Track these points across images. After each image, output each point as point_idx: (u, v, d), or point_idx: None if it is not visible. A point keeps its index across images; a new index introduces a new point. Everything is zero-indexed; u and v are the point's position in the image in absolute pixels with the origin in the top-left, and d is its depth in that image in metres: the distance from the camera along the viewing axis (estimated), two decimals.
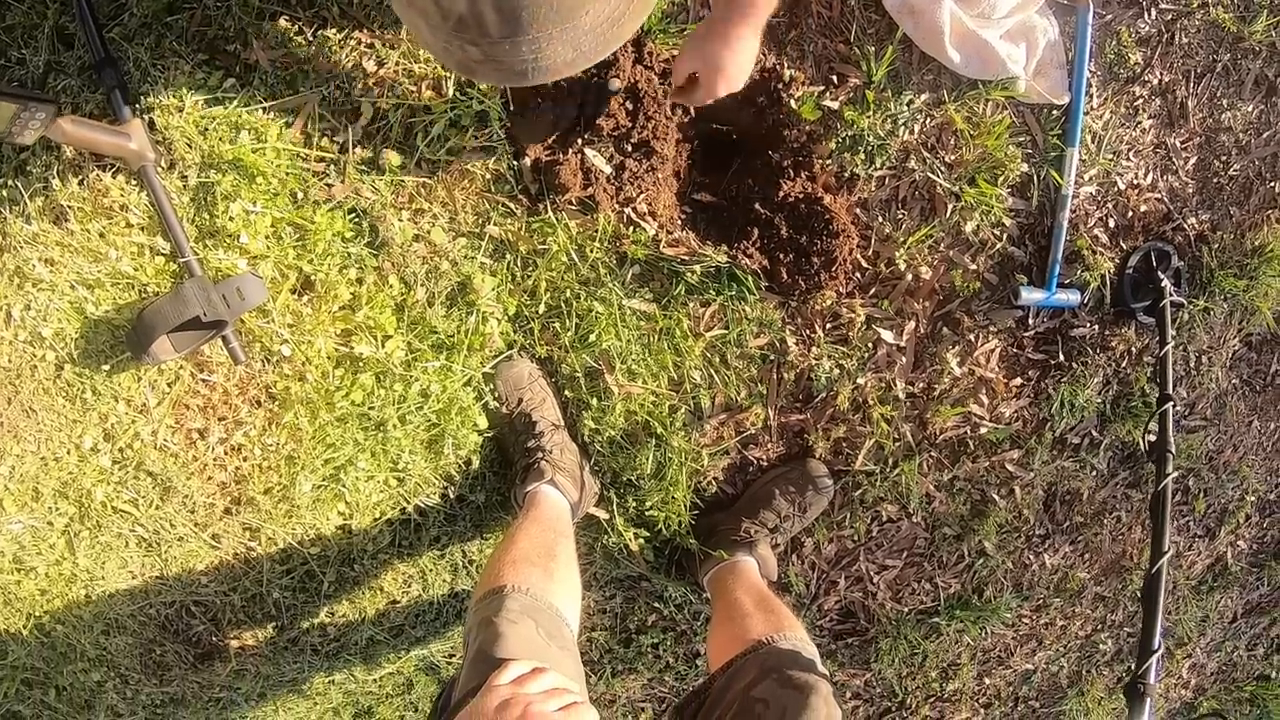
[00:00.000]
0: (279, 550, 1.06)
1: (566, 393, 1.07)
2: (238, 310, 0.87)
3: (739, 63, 0.74)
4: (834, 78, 0.98)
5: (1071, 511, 1.28)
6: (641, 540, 1.10)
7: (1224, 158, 1.14)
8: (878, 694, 1.42)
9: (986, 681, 1.47)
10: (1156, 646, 0.81)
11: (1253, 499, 1.44)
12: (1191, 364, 1.22)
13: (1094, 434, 1.21)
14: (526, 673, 0.63)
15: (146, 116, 0.88)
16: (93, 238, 0.91)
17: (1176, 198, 1.12)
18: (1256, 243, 1.17)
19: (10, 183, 0.92)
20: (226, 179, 0.90)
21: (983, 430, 1.13)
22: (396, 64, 0.92)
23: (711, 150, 1.06)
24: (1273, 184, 1.17)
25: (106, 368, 0.94)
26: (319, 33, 0.90)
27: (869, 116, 0.97)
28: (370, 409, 0.98)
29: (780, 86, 0.98)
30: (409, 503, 1.05)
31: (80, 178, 0.89)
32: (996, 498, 1.19)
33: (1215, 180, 1.14)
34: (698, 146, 1.05)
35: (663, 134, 0.99)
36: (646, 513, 1.10)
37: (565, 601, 0.81)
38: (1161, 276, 1.07)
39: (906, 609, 1.27)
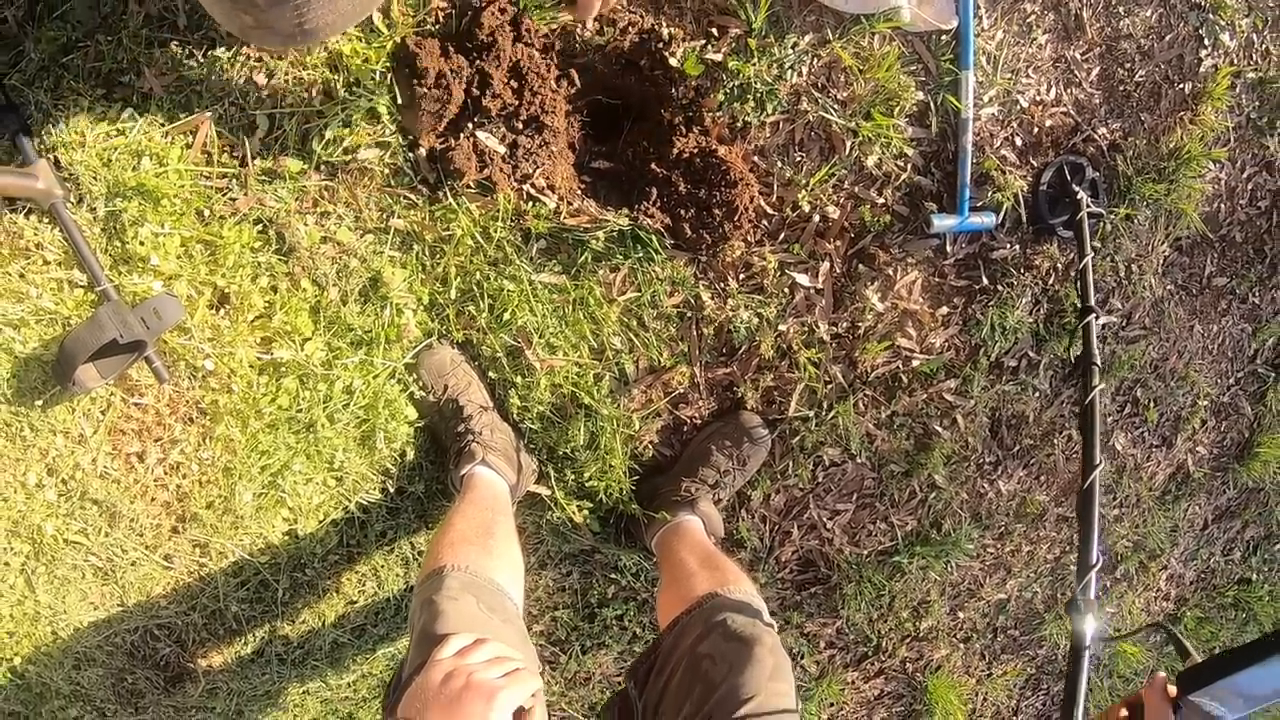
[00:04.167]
0: (230, 563, 1.10)
1: (490, 374, 1.11)
2: (157, 330, 0.91)
3: None
4: (714, 30, 1.00)
5: (1019, 435, 1.31)
6: (585, 512, 1.14)
7: (1128, 65, 1.16)
8: (851, 640, 1.46)
9: (961, 615, 1.51)
10: (1095, 561, 0.84)
11: (1205, 403, 1.47)
12: (1122, 274, 1.25)
13: (1030, 355, 1.24)
14: (468, 644, 0.66)
15: (51, 155, 0.92)
16: (13, 279, 0.94)
17: (1083, 110, 1.14)
18: (1171, 146, 1.19)
19: None
20: (133, 205, 0.93)
21: (915, 363, 1.17)
22: (286, 73, 0.95)
23: (603, 118, 1.08)
24: (1182, 86, 1.19)
25: (40, 403, 0.97)
26: (208, 53, 0.93)
27: (754, 64, 0.99)
28: (298, 412, 1.01)
29: (660, 46, 1.00)
30: (350, 501, 1.09)
31: None
32: (939, 429, 1.22)
33: (1122, 88, 1.16)
34: (588, 116, 1.08)
35: (551, 108, 1.02)
36: (587, 484, 1.14)
37: (506, 576, 0.85)
38: (1077, 189, 1.09)
39: (865, 551, 1.31)
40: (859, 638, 1.47)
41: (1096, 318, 0.99)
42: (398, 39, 0.95)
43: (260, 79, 0.95)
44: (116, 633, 1.13)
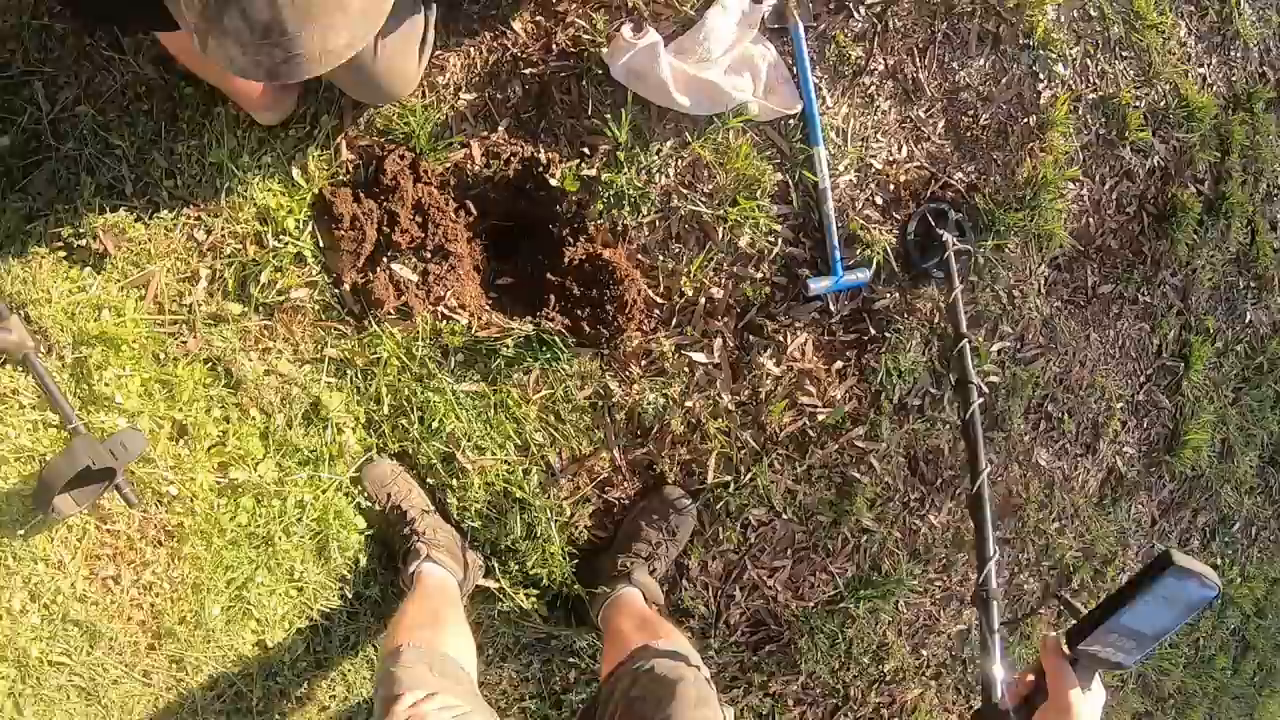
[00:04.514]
0: (206, 676, 1.19)
1: (429, 480, 1.22)
2: (124, 460, 1.04)
3: None
4: (585, 149, 1.15)
5: (939, 468, 1.44)
6: (533, 598, 1.24)
7: (971, 112, 1.34)
8: (819, 694, 1.55)
9: (924, 653, 1.62)
10: (991, 554, 0.94)
11: (1120, 405, 1.63)
12: (1005, 301, 1.41)
13: (932, 391, 1.38)
14: (421, 698, 0.78)
15: (22, 311, 1.08)
16: None
17: (936, 160, 1.32)
18: (1026, 175, 1.37)
19: None
20: (97, 352, 1.08)
21: (820, 417, 1.29)
22: (221, 229, 1.11)
23: (501, 238, 1.23)
24: (1026, 120, 1.38)
25: (21, 533, 1.09)
26: (154, 216, 1.11)
27: (624, 174, 1.14)
28: (256, 528, 1.14)
29: (541, 170, 1.15)
30: (312, 609, 1.20)
31: None
32: (857, 475, 1.35)
33: (969, 134, 1.35)
34: (488, 239, 1.22)
35: (453, 236, 1.16)
36: (531, 572, 1.23)
37: (457, 650, 0.95)
38: (941, 232, 1.26)
39: (811, 603, 1.42)
40: (825, 690, 1.56)
41: (970, 343, 1.14)
42: (315, 190, 1.11)
43: (200, 235, 1.11)
44: None
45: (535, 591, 1.24)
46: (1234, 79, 1.65)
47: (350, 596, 1.23)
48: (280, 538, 1.16)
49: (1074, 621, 0.65)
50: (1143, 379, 1.64)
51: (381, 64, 1.03)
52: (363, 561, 1.22)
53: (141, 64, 1.15)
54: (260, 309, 1.13)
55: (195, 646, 1.16)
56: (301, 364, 1.15)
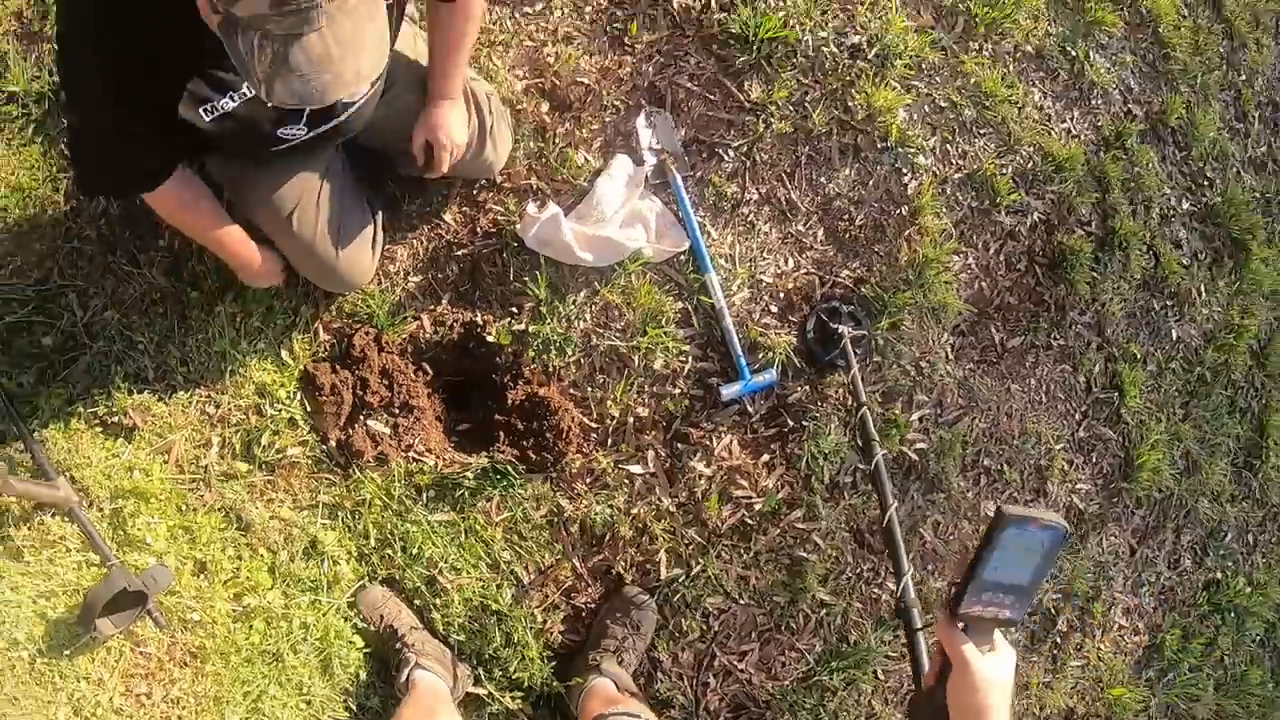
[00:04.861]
0: None
1: (416, 601, 1.46)
2: (154, 590, 1.31)
3: (452, 122, 1.25)
4: (514, 308, 1.44)
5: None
6: (518, 700, 1.42)
7: (846, 216, 1.64)
8: None
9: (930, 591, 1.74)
10: (905, 570, 1.08)
11: (1060, 446, 1.83)
12: (914, 373, 1.64)
13: (860, 467, 1.60)
14: None
15: (67, 473, 1.39)
16: (44, 563, 1.36)
17: (821, 265, 1.61)
18: (907, 258, 1.65)
19: None
20: (130, 504, 1.39)
21: (756, 506, 1.51)
22: (228, 403, 1.42)
23: (455, 391, 1.52)
24: (899, 210, 1.66)
25: (68, 653, 1.33)
26: (173, 396, 1.43)
27: (548, 324, 1.42)
28: (267, 646, 1.39)
29: (479, 330, 1.45)
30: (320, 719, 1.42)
31: (28, 524, 1.37)
32: (804, 554, 1.55)
33: (848, 235, 1.64)
34: (445, 392, 1.52)
35: (415, 394, 1.47)
36: (514, 676, 1.42)
37: None
38: (836, 325, 1.52)
39: (786, 681, 1.59)
40: None
41: (869, 410, 1.34)
42: (301, 366, 1.43)
43: (210, 409, 1.43)
44: None
45: (520, 694, 1.43)
46: (1100, 124, 1.94)
47: (355, 708, 1.43)
48: (289, 655, 1.39)
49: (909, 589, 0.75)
50: (1078, 416, 1.84)
51: (343, 261, 1.36)
52: (363, 676, 1.43)
53: (155, 275, 1.51)
54: (263, 466, 1.42)
55: None
56: (300, 509, 1.43)
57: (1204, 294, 2.00)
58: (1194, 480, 1.97)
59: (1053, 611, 1.79)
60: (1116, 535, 1.89)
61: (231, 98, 1.03)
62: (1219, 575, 2.05)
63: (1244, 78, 2.22)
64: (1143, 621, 1.96)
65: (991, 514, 0.69)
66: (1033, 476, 1.75)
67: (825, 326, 1.51)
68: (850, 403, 1.55)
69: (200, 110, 1.03)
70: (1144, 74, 2.01)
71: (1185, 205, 2.01)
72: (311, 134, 1.15)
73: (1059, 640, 1.81)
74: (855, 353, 1.46)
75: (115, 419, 1.43)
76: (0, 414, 1.42)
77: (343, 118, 1.16)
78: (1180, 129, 2.03)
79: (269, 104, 0.85)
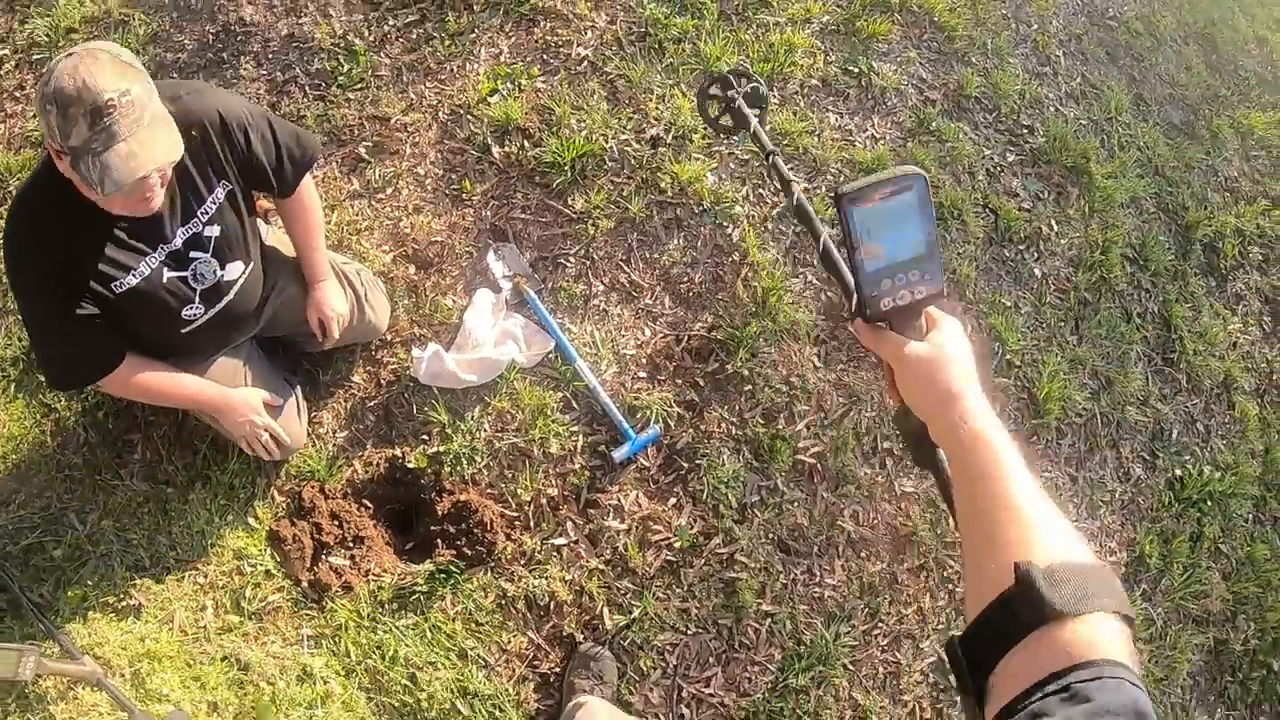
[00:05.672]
0: None
1: (404, 697, 1.80)
2: None
3: (331, 297, 1.67)
4: (425, 436, 1.85)
5: (809, 540, 1.90)
6: None
7: (686, 279, 2.03)
8: None
9: (905, 698, 1.95)
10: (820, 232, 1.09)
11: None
12: (785, 389, 1.93)
13: (763, 485, 1.92)
14: None
15: (90, 653, 1.74)
16: None
17: (675, 325, 1.98)
18: (750, 294, 2.01)
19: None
20: (145, 665, 1.74)
21: (677, 544, 1.83)
22: (213, 570, 1.81)
23: (396, 517, 1.90)
24: (731, 258, 2.05)
25: None
26: (168, 576, 1.81)
27: (455, 442, 1.81)
28: None
29: (402, 461, 1.89)
30: None
31: (64, 700, 1.71)
32: (734, 574, 1.84)
33: (692, 292, 2.02)
34: (387, 520, 1.93)
35: (363, 527, 1.87)
36: None
37: None
38: (724, 93, 1.62)
39: (757, 695, 1.84)
40: None
41: (777, 155, 1.41)
42: (267, 527, 1.83)
43: (200, 579, 1.80)
44: None
45: None
46: (901, 120, 2.31)
47: None
48: None
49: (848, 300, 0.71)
50: None
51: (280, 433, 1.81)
52: None
53: (136, 483, 1.96)
54: (252, 616, 1.79)
55: None
56: (289, 644, 1.77)
57: (1056, 226, 2.29)
58: (1112, 394, 2.20)
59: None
60: (1051, 470, 2.11)
61: (132, 275, 1.43)
62: (1179, 472, 2.23)
63: (1036, 27, 2.59)
64: (1113, 541, 2.14)
65: (833, 201, 0.65)
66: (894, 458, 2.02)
67: (712, 100, 1.68)
68: (741, 431, 1.88)
69: (111, 286, 1.41)
70: (932, 62, 2.41)
71: (1010, 157, 2.35)
72: (210, 313, 1.56)
73: None
74: (752, 109, 1.60)
75: (124, 603, 1.83)
76: (29, 618, 1.84)
77: (230, 296, 1.58)
78: (983, 95, 2.39)
79: (106, 197, 1.23)
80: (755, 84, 1.68)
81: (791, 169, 2.13)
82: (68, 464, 2.04)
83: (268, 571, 1.82)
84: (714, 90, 1.69)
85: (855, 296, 0.66)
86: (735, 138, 1.83)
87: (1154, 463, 2.23)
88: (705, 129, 1.96)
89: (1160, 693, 2.16)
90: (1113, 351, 2.25)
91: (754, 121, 1.56)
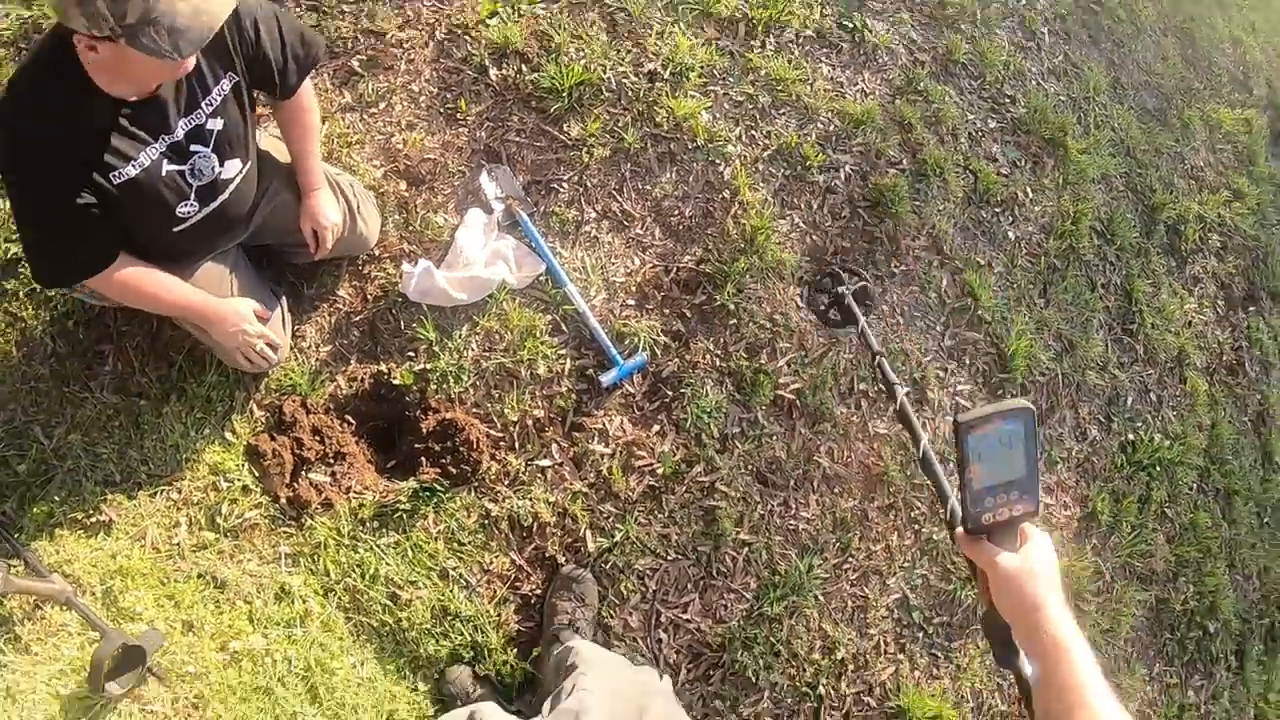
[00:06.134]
0: None
1: (384, 617, 1.79)
2: (150, 647, 1.62)
3: (325, 206, 1.70)
4: (411, 353, 1.87)
5: (786, 473, 2.03)
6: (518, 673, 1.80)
7: (677, 212, 2.12)
8: (792, 702, 2.03)
9: (871, 631, 2.10)
10: (949, 494, 1.07)
11: (929, 358, 2.26)
12: (768, 325, 2.09)
13: (744, 416, 2.04)
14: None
15: (60, 570, 1.72)
16: (49, 648, 1.68)
17: (664, 256, 2.07)
18: (738, 231, 2.12)
19: None
20: (118, 583, 1.73)
21: (659, 470, 1.93)
22: (188, 486, 1.81)
23: (378, 433, 1.93)
24: (720, 195, 2.16)
25: None
26: (139, 491, 1.80)
27: (442, 359, 1.85)
28: (258, 684, 1.70)
29: (387, 378, 1.91)
30: None
31: (32, 620, 1.69)
32: (714, 503, 1.95)
33: (683, 226, 2.11)
34: (369, 437, 1.96)
35: (345, 444, 1.89)
36: (482, 674, 1.80)
37: None
38: (835, 289, 1.85)
39: (732, 622, 1.95)
40: (796, 696, 2.03)
41: (884, 357, 1.76)
42: (244, 442, 1.83)
43: (174, 495, 1.80)
44: None
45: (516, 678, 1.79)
46: (891, 78, 2.46)
47: None
48: (279, 688, 1.70)
49: (956, 511, 0.82)
50: (940, 328, 2.28)
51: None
52: (349, 699, 1.75)
53: (106, 395, 1.93)
54: (227, 533, 1.79)
55: None
56: (265, 562, 1.78)
57: (1031, 194, 2.48)
58: (1074, 357, 2.40)
59: None
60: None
61: (132, 165, 1.43)
62: (1131, 437, 2.44)
63: (1024, 2, 2.78)
64: (1068, 495, 2.34)
65: (953, 429, 0.74)
66: (912, 389, 2.17)
67: (822, 295, 1.87)
68: (725, 363, 1.98)
69: (110, 176, 1.41)
70: (924, 25, 2.56)
71: (992, 124, 2.52)
72: (204, 211, 1.57)
73: None
74: (860, 306, 1.81)
75: (93, 519, 1.81)
76: None
77: (226, 194, 1.59)
78: (970, 62, 2.56)
79: (180, 59, 1.24)
80: (864, 282, 1.84)
81: (783, 116, 2.25)
82: (34, 375, 2.01)
83: (245, 487, 1.84)
84: (824, 284, 1.84)
85: (960, 509, 0.76)
86: (841, 332, 1.95)
87: (1109, 426, 2.44)
88: (750, 179, 2.06)
89: (1105, 643, 2.36)
90: (1077, 317, 2.45)
91: (862, 320, 1.71)
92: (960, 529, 0.78)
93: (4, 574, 1.59)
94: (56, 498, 1.89)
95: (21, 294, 2.10)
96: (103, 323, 2.05)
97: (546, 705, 1.20)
